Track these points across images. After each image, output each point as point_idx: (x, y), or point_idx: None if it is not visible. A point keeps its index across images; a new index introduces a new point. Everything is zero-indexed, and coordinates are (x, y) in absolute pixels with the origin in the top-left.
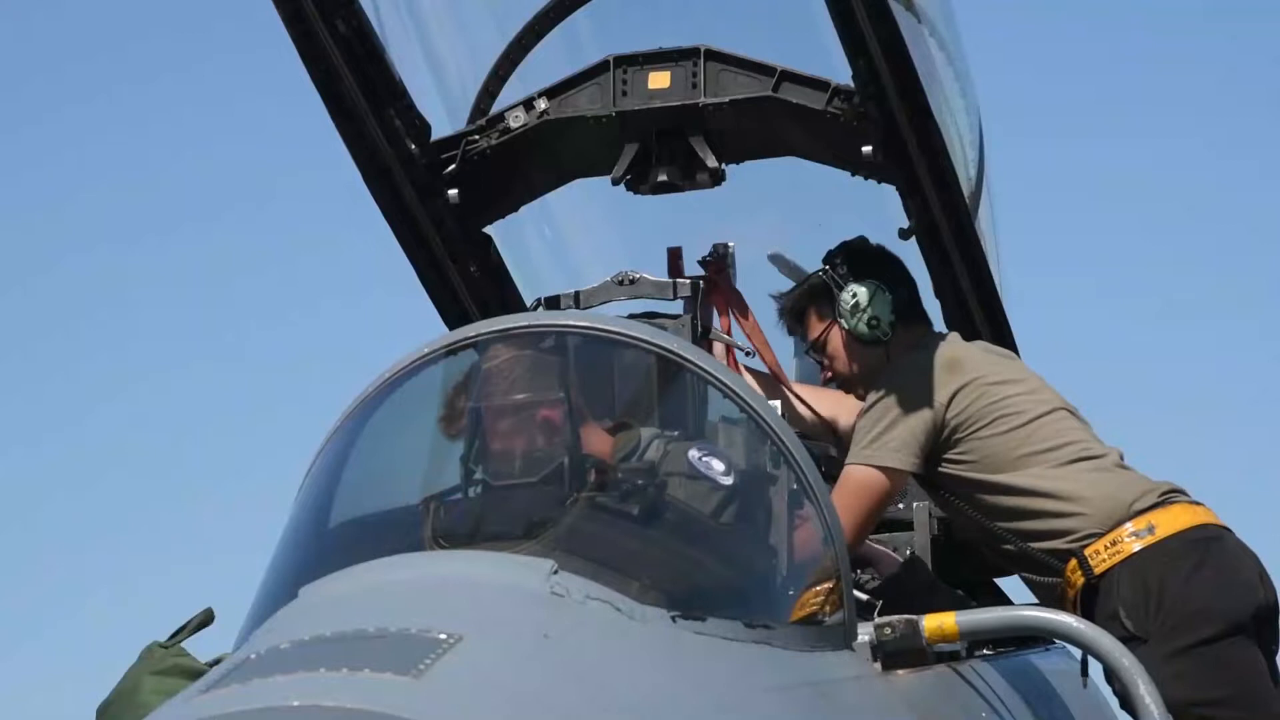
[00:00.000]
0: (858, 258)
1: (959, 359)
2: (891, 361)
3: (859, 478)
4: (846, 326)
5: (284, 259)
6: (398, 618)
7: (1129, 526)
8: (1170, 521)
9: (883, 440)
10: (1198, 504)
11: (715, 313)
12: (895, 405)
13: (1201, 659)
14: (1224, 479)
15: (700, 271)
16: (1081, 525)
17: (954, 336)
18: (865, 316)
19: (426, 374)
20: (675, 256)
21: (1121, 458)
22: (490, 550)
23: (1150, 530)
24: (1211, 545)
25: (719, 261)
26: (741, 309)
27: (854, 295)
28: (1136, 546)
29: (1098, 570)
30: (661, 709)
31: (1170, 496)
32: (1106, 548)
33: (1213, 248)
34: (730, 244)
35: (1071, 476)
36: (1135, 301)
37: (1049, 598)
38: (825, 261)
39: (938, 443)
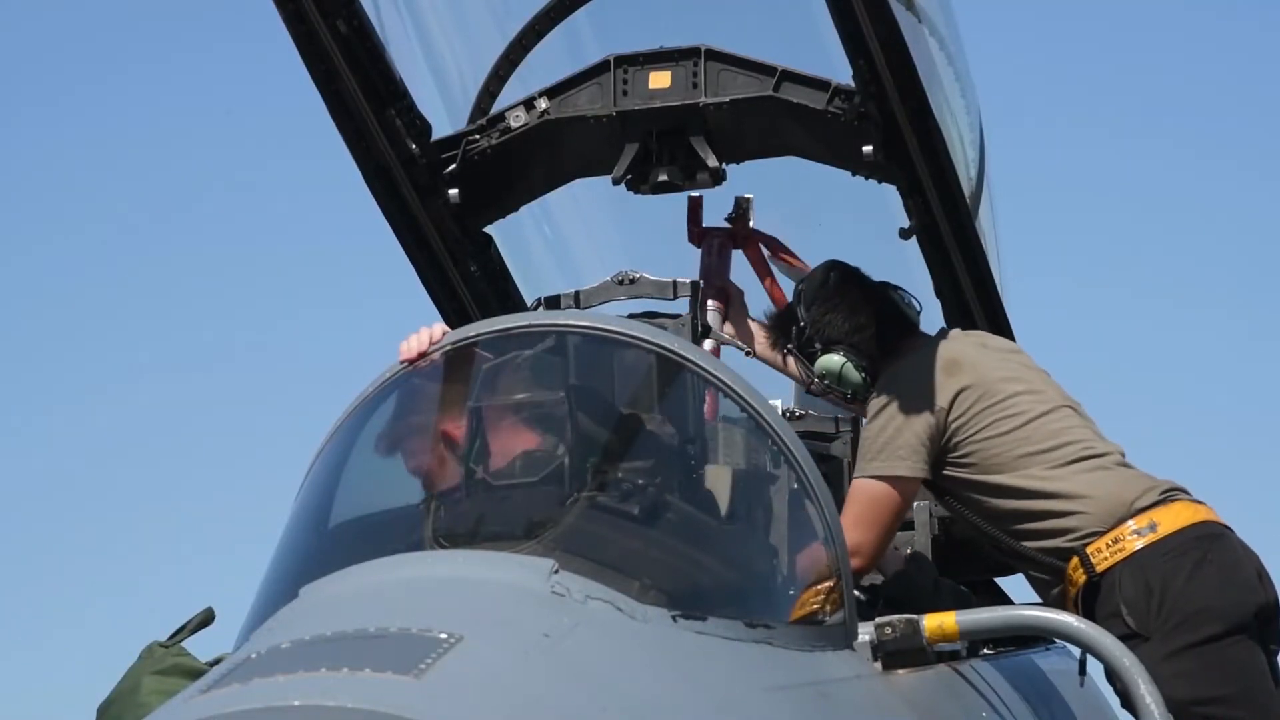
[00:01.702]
0: (817, 324)
1: (957, 360)
2: (891, 368)
3: (871, 490)
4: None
5: (284, 258)
6: (398, 617)
7: (1131, 524)
8: (1172, 519)
9: (891, 449)
10: (1199, 502)
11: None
12: (898, 412)
13: (1203, 658)
14: (1224, 479)
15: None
16: (1083, 524)
17: (952, 334)
18: (838, 391)
19: (427, 373)
20: (696, 206)
21: (1123, 455)
22: (491, 550)
23: (1152, 528)
24: (1213, 543)
25: (743, 215)
26: (774, 246)
27: (823, 376)
28: (1138, 544)
29: (1099, 568)
30: (662, 709)
31: (1172, 494)
32: (1108, 545)
33: (1214, 247)
34: (749, 196)
35: (1073, 476)
36: (1135, 301)
37: (1051, 596)
38: (790, 340)
39: (941, 445)
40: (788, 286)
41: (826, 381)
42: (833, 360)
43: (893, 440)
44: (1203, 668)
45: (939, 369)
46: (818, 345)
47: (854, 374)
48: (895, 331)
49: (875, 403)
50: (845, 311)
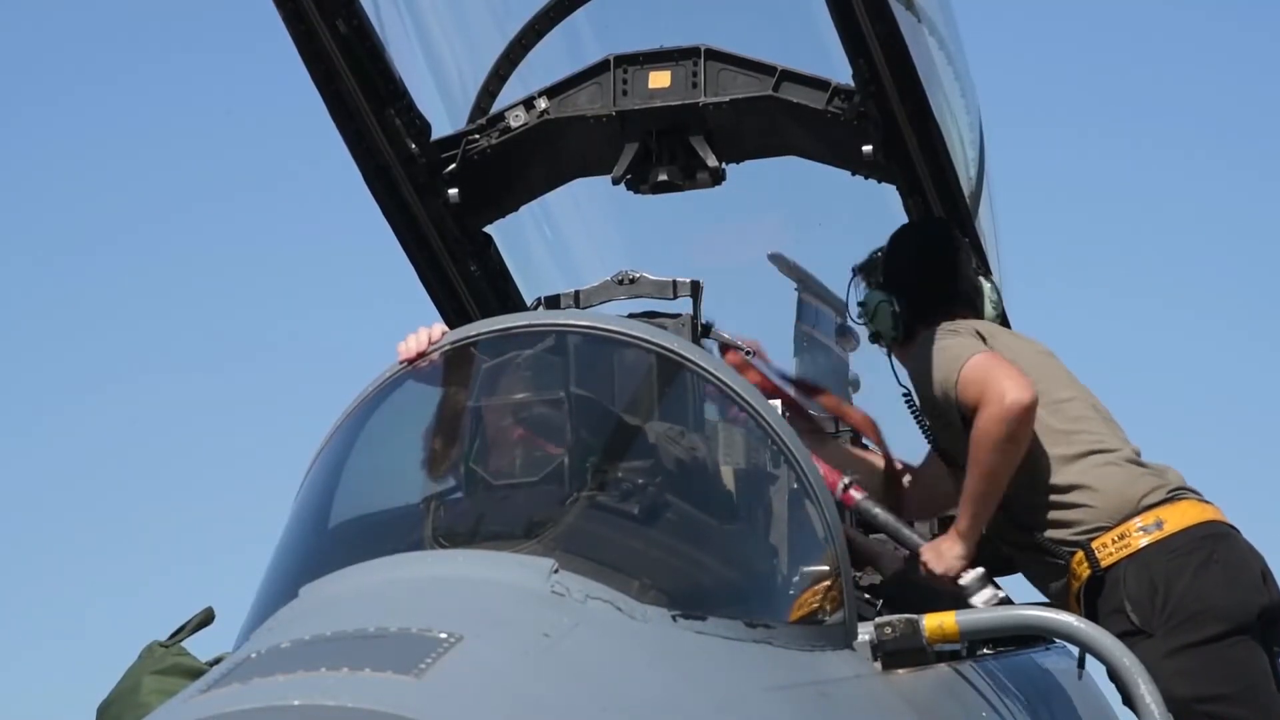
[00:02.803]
0: (891, 260)
1: (990, 333)
2: (918, 342)
3: (971, 363)
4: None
5: (284, 259)
6: (398, 617)
7: (1137, 521)
8: (1178, 517)
9: (960, 345)
10: (1207, 502)
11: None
12: (945, 347)
13: (1206, 656)
14: (1230, 480)
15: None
16: (1088, 518)
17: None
18: (871, 327)
19: (427, 373)
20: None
21: (1138, 454)
22: (491, 550)
23: (1158, 525)
24: (1219, 543)
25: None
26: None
27: (861, 305)
28: (1144, 541)
29: (1104, 564)
30: (662, 708)
31: (1179, 493)
32: (1114, 541)
33: (1214, 247)
34: (756, 346)
35: (1081, 469)
36: (1135, 301)
37: (1052, 590)
38: (857, 266)
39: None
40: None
41: (862, 308)
42: (875, 295)
43: (957, 344)
44: (1205, 666)
45: (969, 332)
46: (881, 278)
47: (886, 317)
48: (953, 308)
49: (916, 360)
50: (919, 262)
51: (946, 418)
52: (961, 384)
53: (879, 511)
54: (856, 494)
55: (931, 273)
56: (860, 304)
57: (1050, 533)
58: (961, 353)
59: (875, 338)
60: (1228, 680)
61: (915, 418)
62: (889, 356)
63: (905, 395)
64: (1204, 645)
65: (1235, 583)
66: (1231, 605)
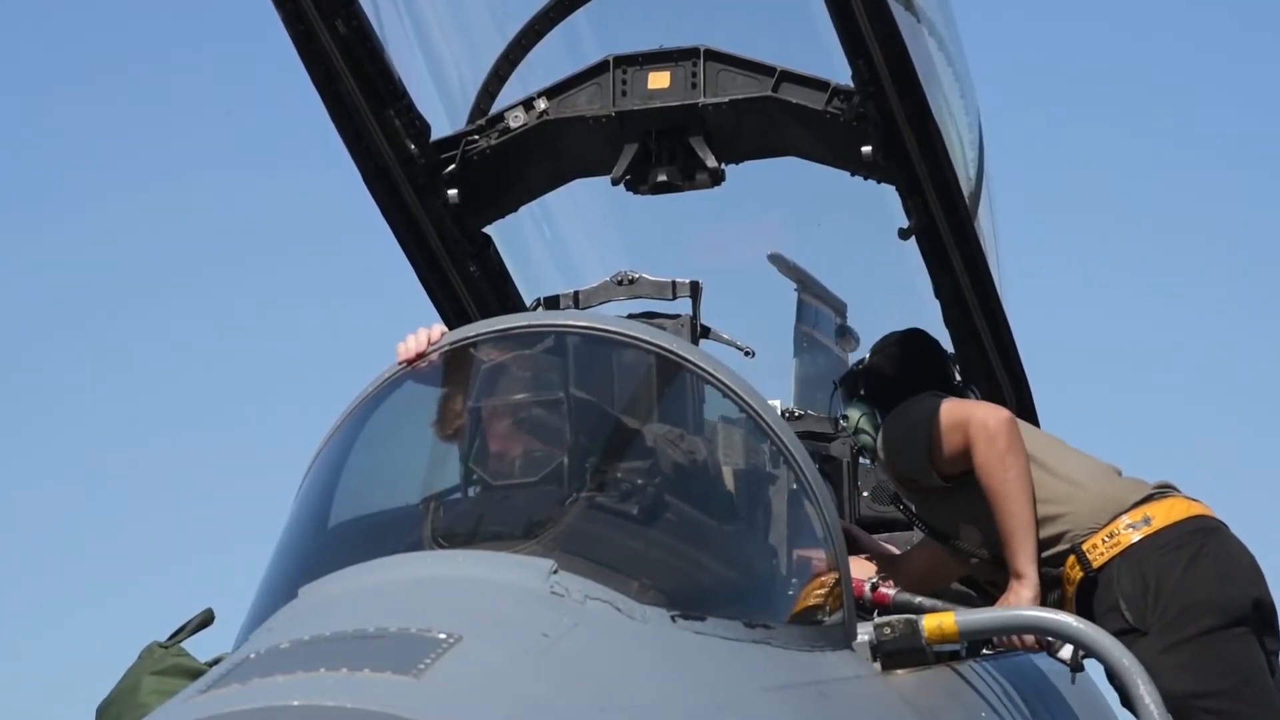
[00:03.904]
0: (871, 373)
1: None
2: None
3: (944, 410)
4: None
5: (284, 259)
6: (397, 617)
7: (1125, 519)
8: (1166, 513)
9: (917, 408)
10: (1192, 499)
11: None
12: (922, 414)
13: (1202, 650)
14: (1219, 481)
15: None
16: (1074, 524)
17: None
18: (855, 440)
19: (426, 374)
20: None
21: (1119, 474)
22: (490, 550)
23: (1147, 522)
24: (1208, 537)
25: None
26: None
27: (845, 419)
28: (1135, 538)
29: (1096, 564)
30: (661, 709)
31: (1165, 490)
32: (1104, 540)
33: (1214, 246)
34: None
35: (1066, 475)
36: (1135, 301)
37: (1051, 600)
38: (838, 380)
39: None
40: None
41: (843, 423)
42: (857, 408)
43: (915, 408)
44: (1202, 660)
45: (927, 395)
46: (862, 390)
47: (867, 437)
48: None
49: (885, 441)
50: (900, 375)
51: (926, 482)
52: (944, 434)
53: (921, 600)
54: (888, 590)
55: (913, 386)
56: (842, 417)
57: (1042, 551)
58: (927, 406)
59: (860, 451)
60: (1224, 674)
61: (907, 517)
62: (872, 466)
63: (893, 497)
64: (1200, 639)
65: (1226, 576)
66: (1224, 599)
